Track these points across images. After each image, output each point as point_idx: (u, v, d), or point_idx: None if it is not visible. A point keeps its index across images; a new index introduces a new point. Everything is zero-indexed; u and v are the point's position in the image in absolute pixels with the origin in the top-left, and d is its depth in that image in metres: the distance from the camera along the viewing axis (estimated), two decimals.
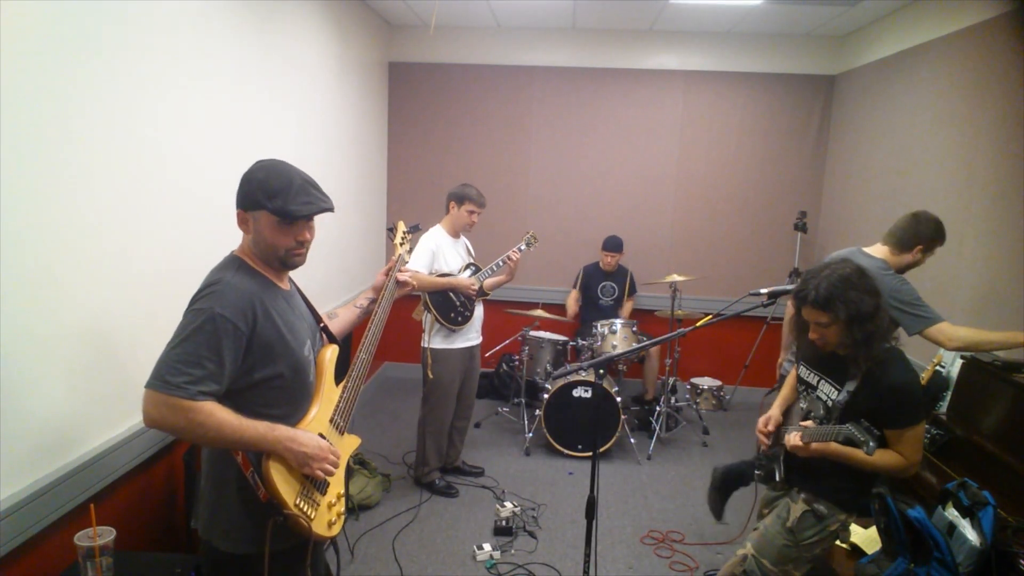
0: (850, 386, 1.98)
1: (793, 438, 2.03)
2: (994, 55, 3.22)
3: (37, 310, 1.81)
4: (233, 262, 1.59)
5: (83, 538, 1.74)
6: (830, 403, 2.03)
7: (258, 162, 1.62)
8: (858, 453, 1.88)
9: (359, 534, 3.25)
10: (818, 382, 2.11)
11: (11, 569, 1.75)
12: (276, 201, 1.53)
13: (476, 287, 3.57)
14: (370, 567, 3.02)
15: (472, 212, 3.58)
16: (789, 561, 2.09)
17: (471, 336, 3.68)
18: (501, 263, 3.70)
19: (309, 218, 1.60)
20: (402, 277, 2.04)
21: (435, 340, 3.56)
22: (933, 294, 3.59)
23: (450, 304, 3.54)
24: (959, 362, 2.99)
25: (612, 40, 5.15)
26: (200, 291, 1.52)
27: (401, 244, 2.23)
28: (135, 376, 2.24)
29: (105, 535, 1.76)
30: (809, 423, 2.05)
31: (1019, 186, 2.97)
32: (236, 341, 1.47)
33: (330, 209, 1.62)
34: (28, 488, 1.79)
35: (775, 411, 2.30)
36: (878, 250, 2.82)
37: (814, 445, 1.96)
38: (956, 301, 3.35)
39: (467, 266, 3.67)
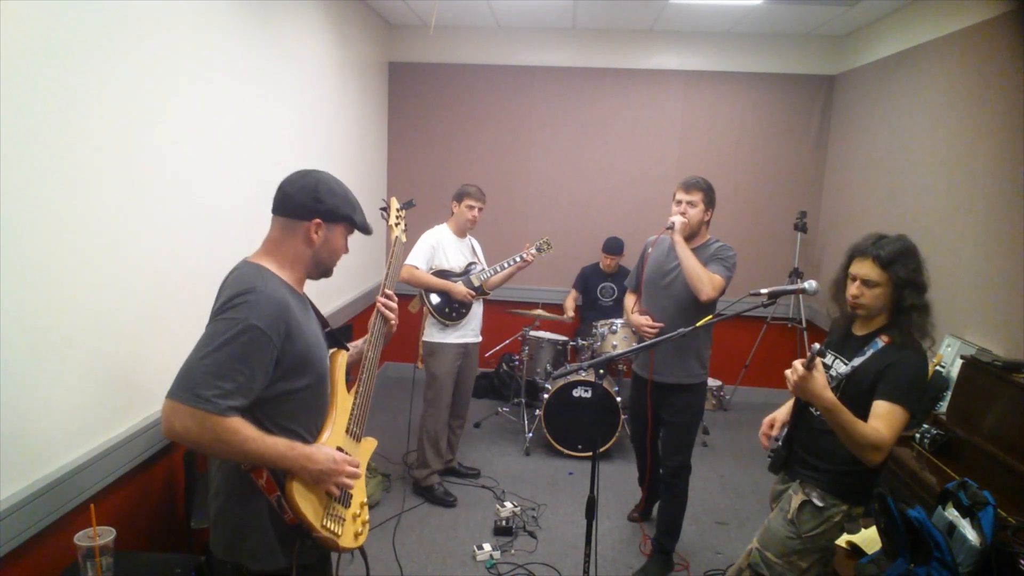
0: (857, 361, 2.00)
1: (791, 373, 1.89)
2: (994, 55, 3.22)
3: (37, 310, 1.81)
4: (260, 271, 1.50)
5: (83, 538, 1.75)
6: (835, 375, 2.05)
7: (315, 173, 1.59)
8: (847, 414, 1.81)
9: (367, 554, 3.24)
10: (833, 361, 2.12)
11: (11, 569, 1.75)
12: (359, 217, 1.61)
13: (471, 295, 3.55)
14: (370, 567, 3.01)
15: (471, 207, 3.57)
16: (794, 553, 2.08)
17: (467, 333, 3.65)
18: (509, 264, 3.67)
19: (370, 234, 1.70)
20: (381, 307, 1.86)
21: (430, 332, 3.59)
22: (933, 293, 3.59)
23: (446, 300, 3.55)
24: (959, 362, 2.99)
25: (612, 40, 5.15)
26: (230, 299, 1.42)
27: (396, 224, 2.06)
28: (135, 376, 2.24)
29: (105, 535, 1.76)
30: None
31: (1019, 186, 2.97)
32: (268, 354, 1.42)
33: None
34: (28, 488, 1.79)
35: (781, 413, 2.27)
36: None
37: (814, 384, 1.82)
38: (956, 301, 3.35)
39: (470, 264, 3.65)
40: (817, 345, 1.82)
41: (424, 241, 3.54)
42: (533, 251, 3.71)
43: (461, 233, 3.66)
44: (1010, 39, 3.11)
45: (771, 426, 2.24)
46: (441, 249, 3.56)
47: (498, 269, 3.67)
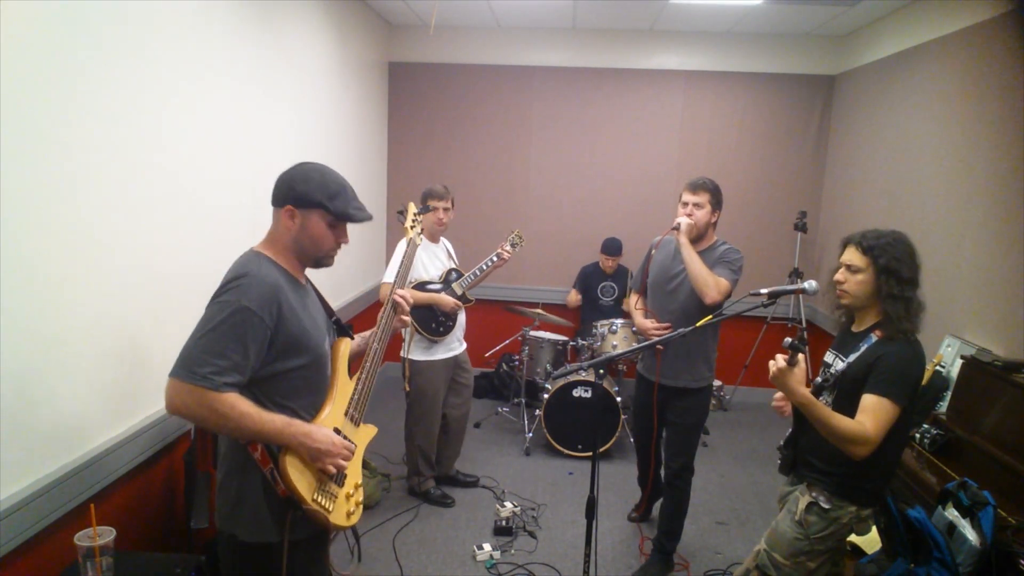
0: (852, 357, 2.01)
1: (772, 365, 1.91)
2: (994, 55, 3.21)
3: (38, 310, 1.81)
4: (257, 258, 1.60)
5: (83, 538, 1.75)
6: (833, 372, 2.06)
7: (306, 164, 1.65)
8: (823, 408, 1.85)
9: (359, 534, 3.25)
10: (834, 360, 2.13)
11: (11, 569, 1.75)
12: (336, 203, 1.62)
13: (459, 306, 3.41)
14: (370, 567, 3.02)
15: (436, 208, 3.39)
16: (801, 554, 2.07)
17: (453, 346, 3.51)
18: (486, 266, 3.55)
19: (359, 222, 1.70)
20: (397, 297, 1.93)
21: (415, 351, 3.39)
22: (933, 293, 3.59)
23: (431, 314, 3.38)
24: (959, 362, 2.99)
25: (612, 40, 5.15)
26: (225, 284, 1.53)
27: (412, 227, 2.16)
28: (136, 376, 2.24)
29: (105, 535, 1.76)
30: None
31: (1019, 186, 2.97)
32: (261, 334, 1.50)
33: (371, 218, 1.71)
34: (28, 488, 1.79)
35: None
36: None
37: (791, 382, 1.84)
38: (956, 301, 3.35)
39: (448, 272, 3.49)
40: (788, 339, 1.84)
41: (399, 254, 3.25)
42: (508, 247, 3.60)
43: (433, 238, 3.48)
44: (1010, 39, 3.11)
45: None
46: (418, 260, 3.35)
47: (477, 273, 3.54)
